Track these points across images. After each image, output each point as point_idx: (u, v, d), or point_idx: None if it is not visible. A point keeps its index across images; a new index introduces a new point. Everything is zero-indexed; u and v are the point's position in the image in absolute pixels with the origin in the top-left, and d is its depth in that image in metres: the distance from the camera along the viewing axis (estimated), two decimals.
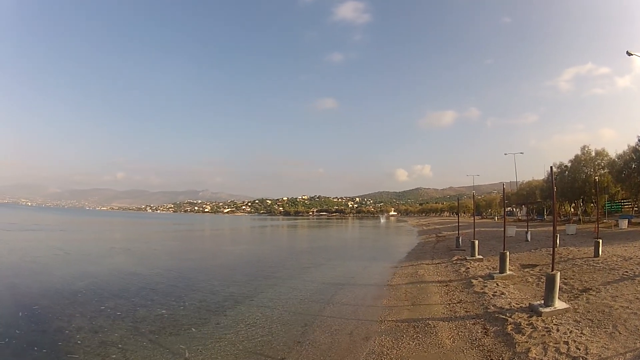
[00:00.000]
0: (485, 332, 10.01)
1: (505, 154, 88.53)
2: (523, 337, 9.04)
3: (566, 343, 8.25)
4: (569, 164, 51.98)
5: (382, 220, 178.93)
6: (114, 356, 9.65)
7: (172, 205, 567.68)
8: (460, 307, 12.90)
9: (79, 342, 10.58)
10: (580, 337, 8.55)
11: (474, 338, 9.70)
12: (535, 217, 69.95)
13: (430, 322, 11.36)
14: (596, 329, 9.09)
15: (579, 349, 7.88)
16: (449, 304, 13.62)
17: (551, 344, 8.34)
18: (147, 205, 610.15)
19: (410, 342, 9.76)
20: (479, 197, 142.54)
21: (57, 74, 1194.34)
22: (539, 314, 10.43)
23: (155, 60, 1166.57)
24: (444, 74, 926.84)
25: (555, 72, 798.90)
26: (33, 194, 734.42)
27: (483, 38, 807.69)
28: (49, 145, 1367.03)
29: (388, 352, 9.27)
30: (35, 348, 10.08)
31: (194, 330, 11.83)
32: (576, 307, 10.96)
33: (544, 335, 8.94)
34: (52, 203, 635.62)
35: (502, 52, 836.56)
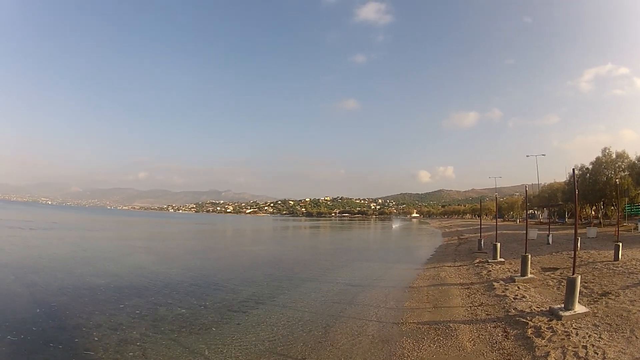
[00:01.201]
0: (506, 335, 9.96)
1: (528, 156, 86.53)
2: (543, 341, 8.98)
3: (585, 347, 8.18)
4: (590, 166, 50.94)
5: (395, 225, 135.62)
6: (133, 354, 9.57)
7: (195, 205, 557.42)
8: (482, 310, 12.81)
9: (96, 339, 10.48)
10: (599, 341, 8.47)
11: (494, 341, 9.65)
12: (557, 219, 68.61)
13: (451, 324, 11.33)
14: (614, 333, 8.98)
15: (597, 353, 7.81)
16: (470, 306, 13.55)
17: (570, 348, 8.29)
18: (169, 205, 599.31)
19: (431, 345, 9.75)
20: (501, 199, 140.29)
21: (76, 75, 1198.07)
22: (559, 318, 10.34)
23: (177, 62, 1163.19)
24: (467, 74, 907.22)
25: (576, 72, 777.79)
26: (54, 193, 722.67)
27: (505, 38, 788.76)
28: (70, 145, 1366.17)
29: (409, 354, 9.26)
30: (51, 345, 9.96)
31: (214, 329, 11.74)
32: (595, 311, 10.82)
33: (564, 339, 8.87)
34: (72, 202, 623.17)
35: (524, 52, 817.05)
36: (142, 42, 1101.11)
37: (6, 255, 26.21)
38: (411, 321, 12.15)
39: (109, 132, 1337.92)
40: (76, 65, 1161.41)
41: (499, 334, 10.12)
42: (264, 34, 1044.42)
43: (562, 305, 11.06)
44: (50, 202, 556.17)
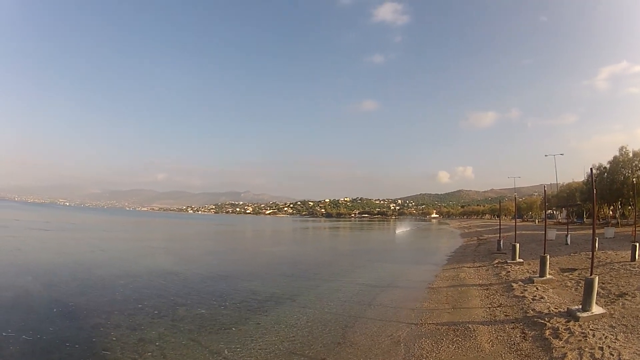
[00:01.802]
0: (524, 336, 9.86)
1: (546, 155, 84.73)
2: (560, 342, 8.88)
3: (601, 349, 8.07)
4: (608, 166, 49.62)
5: (400, 230, 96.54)
6: (152, 354, 9.44)
7: (214, 207, 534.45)
8: (500, 311, 12.68)
9: (114, 339, 10.35)
10: (614, 342, 8.35)
11: (512, 342, 9.55)
12: (575, 220, 67.28)
13: (470, 325, 11.23)
14: (630, 334, 8.85)
15: (613, 355, 7.70)
16: (489, 307, 13.42)
17: (586, 349, 8.18)
18: (188, 206, 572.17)
19: (450, 346, 9.69)
20: (520, 199, 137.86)
21: (88, 75, 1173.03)
22: (577, 319, 10.20)
23: (193, 64, 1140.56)
24: (484, 74, 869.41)
25: (591, 71, 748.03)
26: (72, 195, 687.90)
27: (521, 37, 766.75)
28: (88, 147, 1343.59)
29: (427, 355, 9.21)
30: (68, 344, 9.76)
31: (234, 329, 11.59)
32: (612, 312, 10.65)
33: (580, 340, 8.76)
34: (90, 203, 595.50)
35: (541, 51, 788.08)
36: (156, 43, 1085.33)
37: (23, 255, 26.06)
38: (430, 322, 12.05)
39: (127, 134, 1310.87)
40: (87, 66, 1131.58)
41: (517, 335, 10.01)
42: (281, 35, 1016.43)
43: (580, 307, 10.90)
44: (67, 204, 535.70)
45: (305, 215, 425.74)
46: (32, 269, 20.85)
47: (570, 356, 8.04)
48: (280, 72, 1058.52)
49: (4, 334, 10.25)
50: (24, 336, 10.16)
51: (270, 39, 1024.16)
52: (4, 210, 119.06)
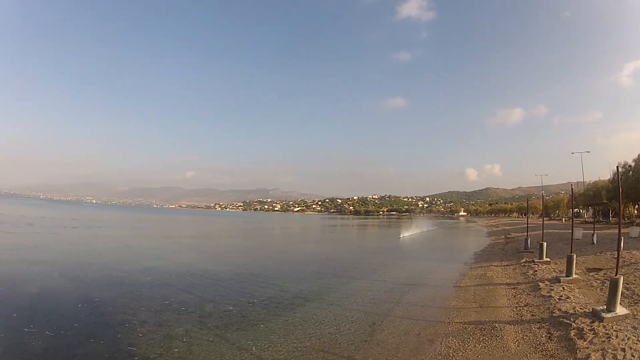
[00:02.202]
0: (549, 336, 9.87)
1: (573, 153, 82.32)
2: (584, 343, 8.90)
3: (623, 350, 8.07)
4: (633, 164, 47.87)
5: (404, 234, 62.52)
6: (178, 350, 9.34)
7: (242, 204, 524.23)
8: (527, 311, 12.62)
9: (141, 335, 10.23)
10: (636, 344, 8.32)
11: (538, 342, 9.55)
12: (601, 218, 65.29)
13: (496, 325, 11.21)
14: None
15: (634, 357, 7.72)
16: (516, 307, 13.37)
17: (609, 350, 8.20)
18: (216, 204, 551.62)
19: (476, 345, 9.73)
20: (547, 197, 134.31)
21: (122, 77, 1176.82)
22: (601, 320, 10.15)
23: (225, 64, 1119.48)
24: (510, 70, 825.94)
25: (616, 67, 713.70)
26: (99, 192, 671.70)
27: (546, 33, 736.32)
28: (117, 145, 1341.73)
29: (454, 354, 9.22)
30: (92, 340, 9.65)
31: (262, 326, 11.45)
32: (635, 313, 10.52)
33: (604, 341, 8.76)
34: (117, 201, 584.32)
35: (564, 47, 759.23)
36: (187, 45, 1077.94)
37: (49, 252, 25.88)
38: (457, 321, 12.08)
39: (155, 132, 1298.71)
40: (112, 69, 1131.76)
41: (543, 335, 10.02)
42: (305, 35, 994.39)
43: (605, 307, 10.83)
44: (94, 201, 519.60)
45: (333, 212, 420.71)
46: (58, 265, 20.86)
47: (593, 357, 8.08)
48: (310, 72, 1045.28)
49: (26, 329, 10.25)
50: (47, 332, 10.16)
51: (294, 39, 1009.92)
52: (29, 207, 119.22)
